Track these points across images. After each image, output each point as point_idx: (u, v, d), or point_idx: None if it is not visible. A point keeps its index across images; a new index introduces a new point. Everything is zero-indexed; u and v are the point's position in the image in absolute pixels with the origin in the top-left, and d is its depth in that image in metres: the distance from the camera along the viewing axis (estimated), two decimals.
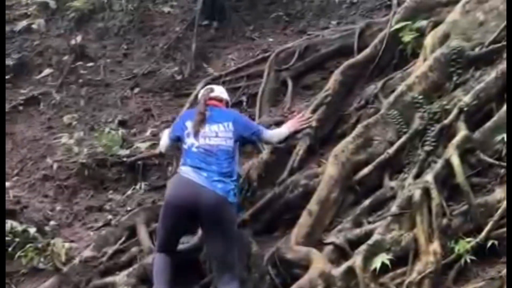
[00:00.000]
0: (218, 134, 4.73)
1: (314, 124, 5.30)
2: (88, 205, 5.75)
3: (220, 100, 5.01)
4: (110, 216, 5.55)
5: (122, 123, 6.46)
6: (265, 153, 5.27)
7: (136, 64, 7.24)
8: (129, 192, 5.72)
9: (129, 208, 5.55)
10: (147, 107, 6.63)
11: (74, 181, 5.94)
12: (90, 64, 7.25)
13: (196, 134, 4.69)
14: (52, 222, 5.56)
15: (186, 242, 4.82)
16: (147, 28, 7.64)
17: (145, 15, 7.75)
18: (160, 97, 6.72)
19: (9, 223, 5.18)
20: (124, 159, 5.93)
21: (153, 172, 5.89)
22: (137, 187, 5.72)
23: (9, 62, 7.27)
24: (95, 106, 6.79)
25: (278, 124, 5.70)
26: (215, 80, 6.62)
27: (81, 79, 7.07)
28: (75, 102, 6.87)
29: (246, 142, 4.99)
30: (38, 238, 5.20)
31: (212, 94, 4.98)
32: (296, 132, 5.26)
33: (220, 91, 5.12)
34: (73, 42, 7.34)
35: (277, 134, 5.20)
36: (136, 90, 6.89)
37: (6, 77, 7.04)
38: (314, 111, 5.49)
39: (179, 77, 6.83)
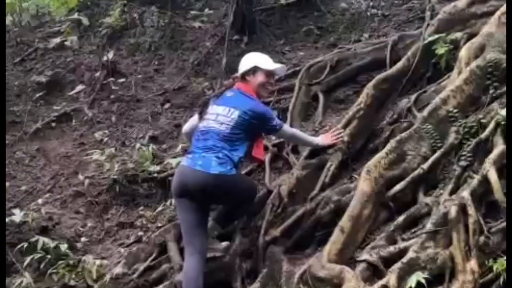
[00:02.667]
0: (217, 118, 4.77)
1: (346, 139, 5.22)
2: (119, 221, 5.75)
3: (242, 82, 4.94)
4: (141, 233, 5.53)
5: (153, 139, 6.47)
6: (296, 169, 5.20)
7: (167, 79, 7.27)
8: (159, 208, 5.70)
9: (159, 224, 5.52)
10: (178, 122, 6.63)
11: (105, 197, 5.95)
12: (122, 80, 7.30)
13: (202, 115, 4.86)
14: (83, 239, 5.57)
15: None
16: (178, 43, 7.68)
17: (176, 30, 7.79)
18: (191, 112, 6.70)
19: (41, 240, 5.18)
20: (155, 175, 5.92)
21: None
22: (168, 203, 5.69)
23: (42, 79, 7.37)
24: (126, 122, 6.83)
25: None
26: None
27: (112, 95, 7.13)
28: (107, 118, 6.91)
29: (261, 132, 4.93)
30: (70, 255, 5.21)
31: (239, 75, 4.98)
32: (328, 147, 5.18)
33: (239, 68, 4.99)
34: (105, 58, 7.40)
35: (302, 137, 5.18)
36: (167, 105, 6.91)
37: (39, 94, 7.13)
38: (346, 125, 5.40)
39: (209, 92, 6.81)
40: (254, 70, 4.93)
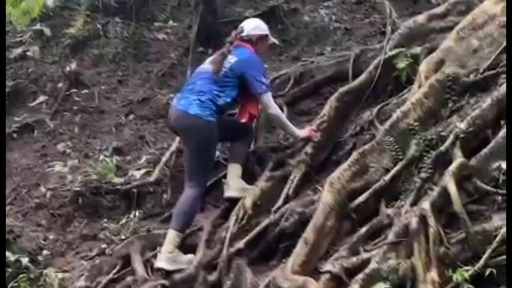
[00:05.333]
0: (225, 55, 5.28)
1: (316, 139, 5.39)
2: (81, 234, 5.69)
3: (249, 39, 5.41)
4: (104, 245, 5.48)
5: (116, 151, 6.42)
6: (260, 181, 5.25)
7: (131, 91, 7.23)
8: (123, 220, 5.67)
9: (123, 237, 5.48)
10: (142, 134, 6.61)
11: (68, 210, 5.87)
12: (85, 91, 7.22)
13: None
14: (45, 252, 5.49)
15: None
16: (142, 54, 7.64)
17: (140, 41, 7.75)
18: (155, 124, 6.70)
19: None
20: (119, 187, 5.88)
21: (148, 200, 5.84)
22: (132, 215, 5.67)
23: None
24: (89, 133, 6.76)
25: (274, 150, 5.71)
26: None
27: (75, 106, 7.05)
28: (69, 130, 6.83)
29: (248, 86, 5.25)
30: (31, 268, 5.14)
31: (242, 34, 5.43)
32: (303, 141, 5.40)
33: (250, 28, 5.47)
34: (67, 69, 7.31)
35: (284, 118, 5.43)
36: (131, 117, 6.87)
37: None
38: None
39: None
40: (266, 37, 5.56)
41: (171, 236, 4.95)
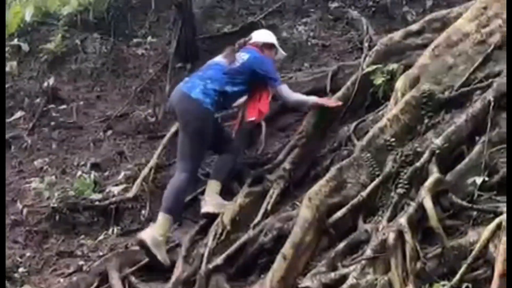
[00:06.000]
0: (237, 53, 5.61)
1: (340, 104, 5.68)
2: (58, 251, 5.63)
3: (256, 45, 5.74)
4: (81, 262, 5.42)
5: (94, 166, 6.39)
6: (239, 197, 5.25)
7: (109, 106, 7.21)
8: (101, 237, 5.63)
9: (101, 253, 5.45)
10: (120, 149, 6.58)
11: (45, 226, 5.82)
12: (63, 106, 7.20)
13: None
14: (21, 269, 5.42)
15: None
16: (121, 70, 7.64)
17: (119, 57, 7.74)
18: (133, 139, 6.69)
19: None
20: (96, 203, 5.85)
21: (126, 216, 5.82)
22: (109, 231, 5.63)
23: None
24: (67, 149, 6.73)
25: (253, 166, 5.73)
26: None
27: (53, 122, 7.01)
28: (47, 145, 6.79)
29: (260, 80, 5.56)
30: (7, 286, 5.07)
31: (250, 41, 5.79)
32: (317, 107, 5.64)
33: (257, 36, 5.85)
34: (45, 84, 7.28)
35: (296, 96, 5.70)
36: (109, 132, 6.84)
37: None
38: (288, 153, 5.54)
39: (152, 120, 6.81)
40: (272, 46, 5.85)
41: (162, 220, 5.14)
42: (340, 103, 5.70)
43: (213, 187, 5.38)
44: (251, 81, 5.56)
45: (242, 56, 5.60)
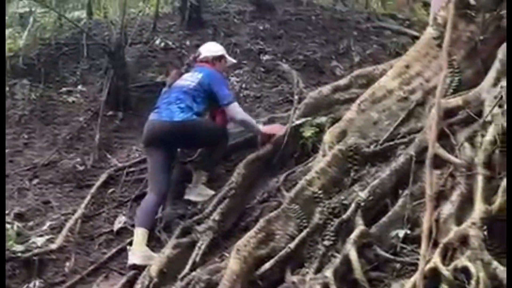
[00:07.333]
0: (184, 77, 5.95)
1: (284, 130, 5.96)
2: None
3: (206, 61, 6.08)
4: None
5: (18, 216, 6.17)
6: (167, 248, 5.19)
7: (37, 154, 7.03)
8: None
9: None
10: (46, 199, 6.39)
11: None
12: None
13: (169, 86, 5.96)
14: None
15: None
16: (50, 117, 7.51)
17: (49, 104, 7.63)
18: (61, 188, 6.52)
19: None
20: (19, 254, 5.63)
21: (50, 268, 5.60)
22: (32, 284, 5.40)
23: None
24: None
25: (182, 217, 5.70)
26: (118, 171, 6.56)
27: None
28: None
29: (214, 98, 5.87)
30: None
31: (199, 57, 6.11)
32: (267, 138, 5.97)
33: (205, 51, 6.15)
34: None
35: (245, 116, 6.03)
36: (35, 181, 6.65)
37: None
38: (217, 204, 5.54)
39: (81, 168, 6.69)
40: (222, 57, 6.18)
41: (196, 173, 5.99)
42: (284, 129, 5.98)
43: (140, 236, 5.33)
44: (210, 99, 5.86)
45: (197, 75, 5.90)
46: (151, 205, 5.52)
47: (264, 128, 6.06)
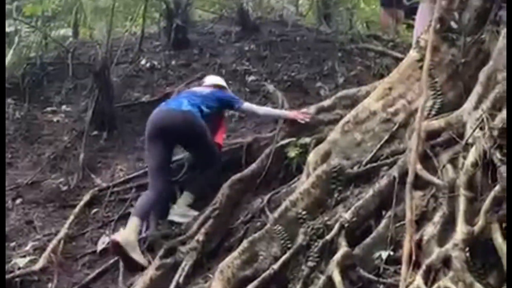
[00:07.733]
0: (193, 88, 6.44)
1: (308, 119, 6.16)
2: None
3: (209, 86, 6.38)
4: None
5: None
6: (150, 269, 5.17)
7: (20, 173, 7.00)
8: None
9: None
10: (29, 219, 6.35)
11: None
12: None
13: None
14: None
15: None
16: (34, 136, 7.49)
17: (33, 123, 7.62)
18: (44, 208, 6.49)
19: None
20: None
21: None
22: None
23: None
24: None
25: (166, 237, 5.67)
26: (102, 191, 6.54)
27: None
28: None
29: (224, 107, 6.33)
30: None
31: (204, 84, 6.48)
32: (291, 122, 6.18)
33: (209, 80, 6.54)
34: None
35: (264, 109, 6.56)
36: (18, 201, 6.61)
37: None
38: (201, 225, 5.53)
39: (65, 188, 6.66)
40: (224, 88, 6.51)
41: (184, 195, 6.02)
42: (309, 115, 6.16)
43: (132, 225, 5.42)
44: (217, 110, 6.17)
45: (207, 89, 6.28)
46: (149, 202, 5.66)
47: (289, 114, 6.29)
